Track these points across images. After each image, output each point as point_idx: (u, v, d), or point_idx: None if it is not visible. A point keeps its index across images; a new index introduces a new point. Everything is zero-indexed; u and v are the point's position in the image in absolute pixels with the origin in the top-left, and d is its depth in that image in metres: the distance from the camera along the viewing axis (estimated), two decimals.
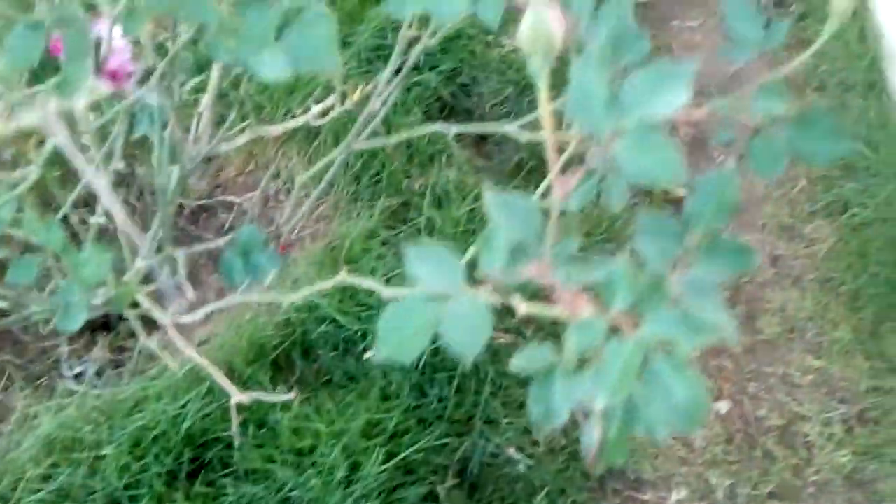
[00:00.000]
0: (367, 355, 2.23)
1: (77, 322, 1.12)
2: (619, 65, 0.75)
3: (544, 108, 0.54)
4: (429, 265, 0.58)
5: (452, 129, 1.56)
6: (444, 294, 0.57)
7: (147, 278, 1.58)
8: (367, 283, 1.07)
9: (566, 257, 0.57)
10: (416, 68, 2.59)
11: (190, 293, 1.22)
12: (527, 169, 2.76)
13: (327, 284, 1.14)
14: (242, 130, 1.90)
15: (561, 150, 0.54)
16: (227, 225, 2.72)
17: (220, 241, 1.24)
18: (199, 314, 1.27)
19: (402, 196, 2.61)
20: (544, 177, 2.72)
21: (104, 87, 0.84)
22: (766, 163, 0.79)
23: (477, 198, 2.56)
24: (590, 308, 0.57)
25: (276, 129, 1.92)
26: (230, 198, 2.74)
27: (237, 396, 1.17)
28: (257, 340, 2.25)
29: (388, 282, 2.35)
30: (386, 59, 2.97)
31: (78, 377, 2.27)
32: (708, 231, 0.64)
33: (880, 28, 2.88)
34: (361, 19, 2.84)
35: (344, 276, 1.11)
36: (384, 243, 2.50)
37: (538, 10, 0.52)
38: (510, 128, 1.40)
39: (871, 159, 2.53)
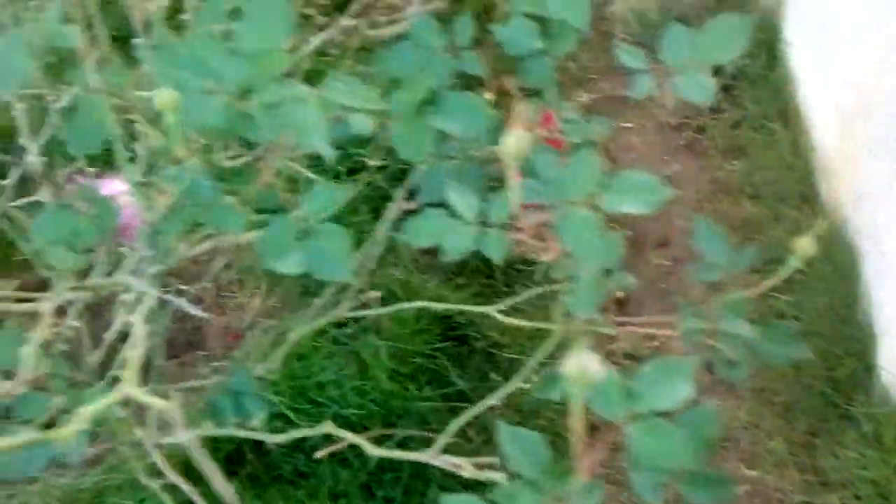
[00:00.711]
0: (317, 454, 2.28)
1: (79, 457, 1.17)
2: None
3: (577, 428, 0.61)
4: None
5: None
6: None
7: None
8: (351, 436, 1.13)
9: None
10: (364, 169, 2.65)
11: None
12: (470, 268, 2.82)
13: (315, 431, 1.19)
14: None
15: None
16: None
17: (210, 381, 1.30)
18: (182, 438, 1.32)
19: None
20: (487, 277, 2.76)
21: (153, 293, 0.90)
22: (732, 368, 0.87)
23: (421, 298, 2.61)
24: None
25: (231, 239, 1.98)
26: (182, 287, 2.77)
27: None
28: (210, 434, 2.28)
29: (338, 384, 2.41)
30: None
31: None
32: (692, 465, 0.72)
33: (813, 142, 3.01)
34: None
35: (331, 427, 1.17)
36: (334, 341, 2.55)
37: (583, 359, 0.60)
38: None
39: (805, 273, 2.63)
